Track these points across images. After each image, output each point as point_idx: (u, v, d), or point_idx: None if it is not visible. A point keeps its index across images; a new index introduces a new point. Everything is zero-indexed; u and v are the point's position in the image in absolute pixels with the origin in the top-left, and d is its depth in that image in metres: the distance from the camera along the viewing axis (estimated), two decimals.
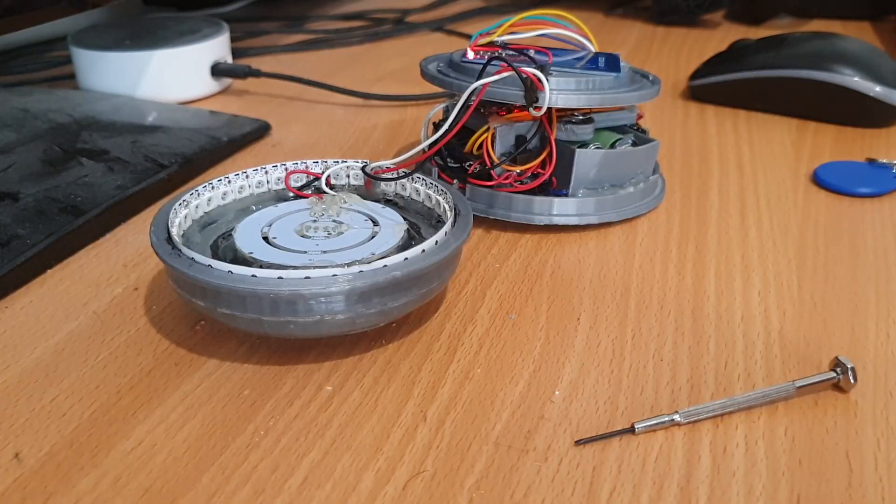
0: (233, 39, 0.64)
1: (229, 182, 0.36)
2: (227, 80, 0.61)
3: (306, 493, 0.25)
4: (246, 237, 0.32)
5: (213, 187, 0.35)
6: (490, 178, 0.39)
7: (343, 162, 0.37)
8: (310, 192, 0.37)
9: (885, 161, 0.45)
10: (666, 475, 0.25)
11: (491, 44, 0.41)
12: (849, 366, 0.28)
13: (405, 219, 0.34)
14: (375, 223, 0.33)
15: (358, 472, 0.25)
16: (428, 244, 0.30)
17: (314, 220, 0.34)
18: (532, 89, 0.36)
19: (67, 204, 0.40)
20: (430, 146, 0.36)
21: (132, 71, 0.56)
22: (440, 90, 0.41)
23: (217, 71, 0.59)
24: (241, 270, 0.28)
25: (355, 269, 0.28)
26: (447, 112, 0.40)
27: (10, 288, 0.35)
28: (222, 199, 0.35)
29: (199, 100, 0.59)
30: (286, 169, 0.37)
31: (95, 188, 0.41)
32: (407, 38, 0.77)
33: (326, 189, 0.36)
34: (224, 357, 0.31)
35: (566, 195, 0.39)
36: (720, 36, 0.75)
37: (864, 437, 0.27)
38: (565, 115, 0.39)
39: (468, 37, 0.73)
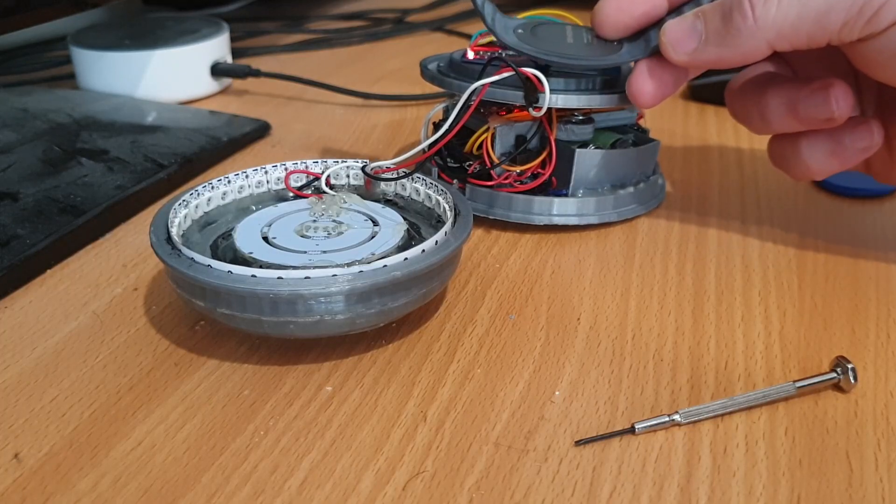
0: (233, 39, 0.64)
1: (229, 182, 0.36)
2: (227, 80, 0.61)
3: (306, 494, 0.25)
4: (246, 237, 0.32)
5: (212, 187, 0.35)
6: (490, 178, 0.39)
7: (343, 162, 0.37)
8: (310, 192, 0.37)
9: None
10: (666, 475, 0.25)
11: (491, 44, 0.41)
12: (849, 366, 0.28)
13: (405, 219, 0.34)
14: (375, 223, 0.33)
15: (358, 473, 0.25)
16: (428, 244, 0.30)
17: (314, 220, 0.34)
18: (532, 89, 0.36)
19: (67, 204, 0.40)
20: (430, 146, 0.36)
21: (132, 71, 0.56)
22: (440, 90, 0.40)
23: (217, 71, 0.59)
24: (240, 270, 0.28)
25: (355, 269, 0.28)
26: (447, 112, 0.40)
27: (10, 288, 0.35)
28: (222, 199, 0.35)
29: (199, 100, 0.59)
30: (286, 169, 0.37)
31: (95, 188, 0.41)
32: (407, 38, 0.76)
33: (326, 189, 0.36)
34: (224, 357, 0.31)
35: (566, 195, 0.39)
36: None
37: (864, 438, 0.27)
38: (565, 115, 0.39)
39: (468, 37, 0.73)
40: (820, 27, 0.30)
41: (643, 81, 0.34)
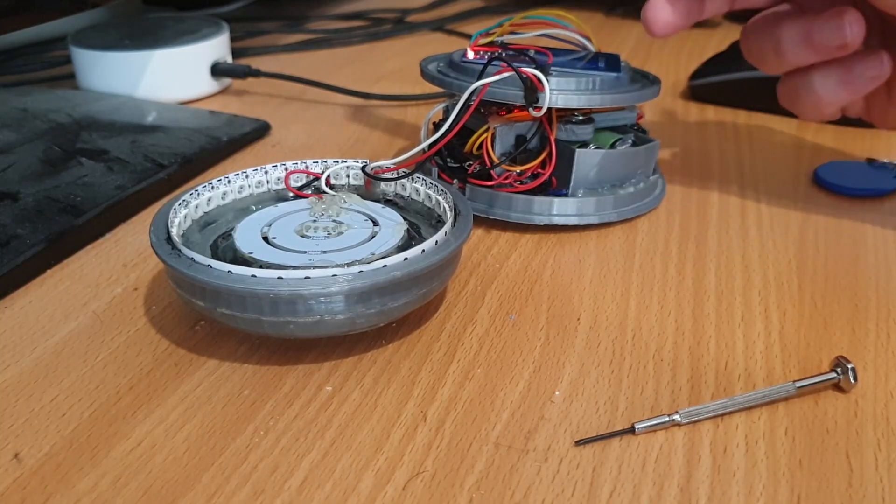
0: (233, 39, 0.64)
1: (229, 182, 0.36)
2: (227, 80, 0.61)
3: (306, 494, 0.25)
4: (246, 237, 0.32)
5: (212, 187, 0.35)
6: (490, 178, 0.39)
7: (343, 162, 0.37)
8: (310, 192, 0.37)
9: (885, 161, 0.45)
10: (666, 475, 0.25)
11: (491, 44, 0.41)
12: (849, 366, 0.28)
13: (405, 219, 0.34)
14: (375, 223, 0.33)
15: (358, 473, 0.25)
16: (428, 244, 0.30)
17: (314, 220, 0.34)
18: (532, 89, 0.36)
19: (67, 204, 0.40)
20: (430, 146, 0.36)
21: (132, 71, 0.56)
22: (440, 90, 0.41)
23: (217, 71, 0.59)
24: (240, 270, 0.28)
25: (355, 269, 0.28)
26: (447, 112, 0.40)
27: (10, 288, 0.35)
28: (222, 199, 0.35)
29: (199, 100, 0.59)
30: (286, 169, 0.37)
31: (95, 188, 0.41)
32: (407, 38, 0.76)
33: (326, 189, 0.36)
34: (224, 357, 0.31)
35: (566, 195, 0.39)
36: (720, 36, 0.75)
37: (864, 438, 0.27)
38: (565, 115, 0.39)
39: (468, 37, 0.73)
40: None
41: (658, 8, 0.36)
